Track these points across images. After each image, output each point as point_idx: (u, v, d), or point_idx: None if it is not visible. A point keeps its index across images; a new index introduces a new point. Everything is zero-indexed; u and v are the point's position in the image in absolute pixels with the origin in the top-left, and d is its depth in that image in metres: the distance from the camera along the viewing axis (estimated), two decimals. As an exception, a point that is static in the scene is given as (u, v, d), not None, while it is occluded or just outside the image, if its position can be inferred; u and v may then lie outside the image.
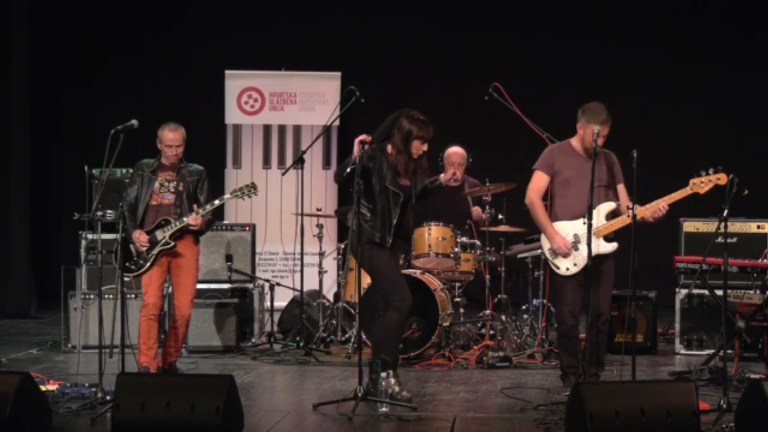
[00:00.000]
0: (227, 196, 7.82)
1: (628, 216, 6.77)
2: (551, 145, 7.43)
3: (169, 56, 12.24)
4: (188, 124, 7.76)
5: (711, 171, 6.83)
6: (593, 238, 6.73)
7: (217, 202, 7.67)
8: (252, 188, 7.70)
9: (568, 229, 6.98)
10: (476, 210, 9.06)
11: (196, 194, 7.64)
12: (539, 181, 7.14)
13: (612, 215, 7.00)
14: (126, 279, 7.09)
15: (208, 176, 7.78)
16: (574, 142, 7.13)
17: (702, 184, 6.85)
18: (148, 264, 7.48)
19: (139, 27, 12.11)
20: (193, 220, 7.49)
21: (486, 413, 6.57)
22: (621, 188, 7.12)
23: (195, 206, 7.57)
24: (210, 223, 7.74)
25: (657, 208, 6.87)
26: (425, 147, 6.87)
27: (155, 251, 7.48)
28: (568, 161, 7.06)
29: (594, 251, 6.73)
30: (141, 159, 7.74)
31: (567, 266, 6.98)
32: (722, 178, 6.81)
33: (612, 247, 6.94)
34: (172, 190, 7.61)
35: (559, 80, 11.52)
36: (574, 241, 6.93)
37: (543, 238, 7.11)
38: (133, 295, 8.55)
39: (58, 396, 6.75)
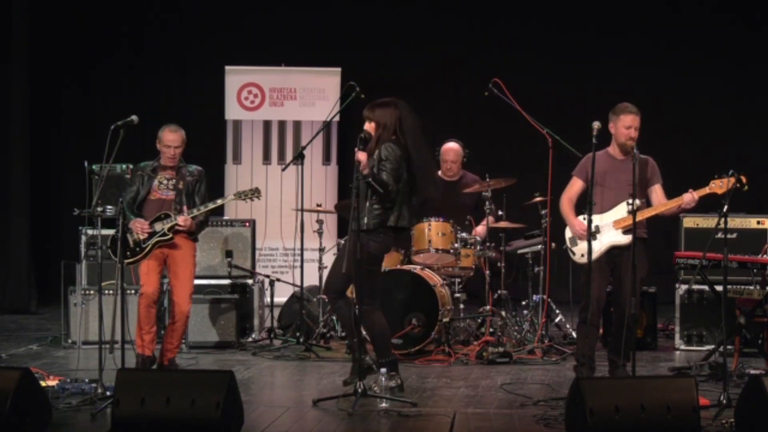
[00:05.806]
0: (230, 197, 7.80)
1: (633, 210, 6.80)
2: (589, 153, 7.38)
3: (169, 52, 12.23)
4: (188, 119, 7.77)
5: (729, 173, 6.91)
6: (611, 229, 7.01)
7: (219, 201, 7.67)
8: (255, 193, 7.70)
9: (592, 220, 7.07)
10: (481, 229, 8.82)
11: (193, 195, 7.65)
12: (572, 186, 7.32)
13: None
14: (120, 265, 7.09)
15: (206, 178, 7.76)
16: (611, 149, 7.23)
17: (721, 185, 6.91)
18: (144, 252, 7.49)
19: (139, 22, 12.11)
20: (182, 221, 7.49)
21: (486, 409, 6.58)
22: (658, 188, 7.17)
23: (185, 207, 7.55)
24: (202, 225, 7.71)
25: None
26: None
27: (152, 241, 7.49)
28: (602, 167, 7.12)
29: (609, 241, 7.02)
30: (141, 155, 7.76)
31: (582, 253, 7.09)
32: (732, 181, 6.88)
33: (626, 239, 6.95)
34: (171, 187, 7.61)
35: (560, 76, 11.51)
36: (594, 231, 7.01)
37: (567, 230, 7.28)
38: (132, 291, 8.54)
39: (58, 392, 6.74)
